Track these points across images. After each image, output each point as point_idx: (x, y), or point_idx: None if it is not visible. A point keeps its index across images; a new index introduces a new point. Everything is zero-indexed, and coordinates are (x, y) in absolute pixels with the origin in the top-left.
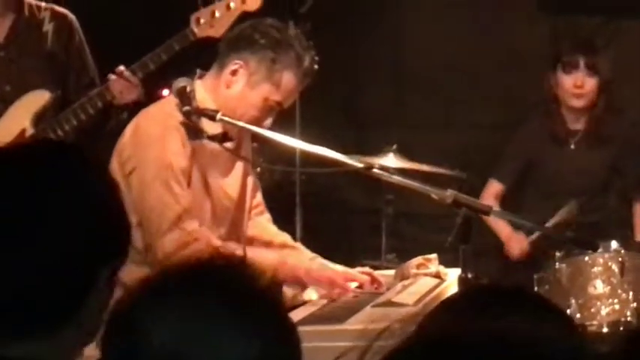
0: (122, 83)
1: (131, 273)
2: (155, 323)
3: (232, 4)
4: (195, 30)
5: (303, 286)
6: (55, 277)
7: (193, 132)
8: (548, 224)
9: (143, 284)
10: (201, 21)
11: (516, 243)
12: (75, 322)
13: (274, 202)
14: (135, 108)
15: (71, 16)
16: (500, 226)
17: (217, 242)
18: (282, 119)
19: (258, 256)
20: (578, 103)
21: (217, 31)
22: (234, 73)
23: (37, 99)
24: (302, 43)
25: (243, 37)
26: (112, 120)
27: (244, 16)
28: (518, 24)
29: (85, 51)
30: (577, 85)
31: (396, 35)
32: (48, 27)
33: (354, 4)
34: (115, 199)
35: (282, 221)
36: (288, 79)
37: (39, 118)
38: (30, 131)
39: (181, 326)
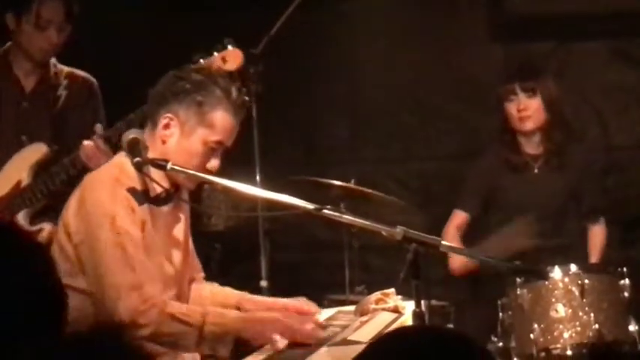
0: (92, 149)
1: None
2: None
3: (214, 65)
4: None
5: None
6: None
7: (141, 196)
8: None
9: None
10: None
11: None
12: None
13: (239, 241)
14: None
15: (91, 80)
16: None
17: (172, 308)
18: (243, 160)
19: (221, 313)
20: (526, 125)
21: None
22: (166, 126)
23: (35, 152)
24: (224, 78)
25: (167, 88)
26: None
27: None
28: (472, 53)
29: (100, 111)
30: (519, 109)
31: (350, 70)
32: (62, 92)
33: (307, 41)
34: (45, 277)
35: (247, 259)
36: (221, 116)
37: (36, 170)
38: (26, 182)
39: None
